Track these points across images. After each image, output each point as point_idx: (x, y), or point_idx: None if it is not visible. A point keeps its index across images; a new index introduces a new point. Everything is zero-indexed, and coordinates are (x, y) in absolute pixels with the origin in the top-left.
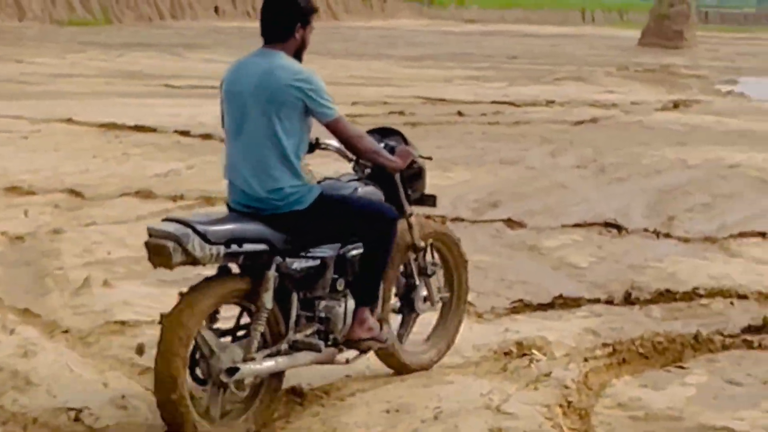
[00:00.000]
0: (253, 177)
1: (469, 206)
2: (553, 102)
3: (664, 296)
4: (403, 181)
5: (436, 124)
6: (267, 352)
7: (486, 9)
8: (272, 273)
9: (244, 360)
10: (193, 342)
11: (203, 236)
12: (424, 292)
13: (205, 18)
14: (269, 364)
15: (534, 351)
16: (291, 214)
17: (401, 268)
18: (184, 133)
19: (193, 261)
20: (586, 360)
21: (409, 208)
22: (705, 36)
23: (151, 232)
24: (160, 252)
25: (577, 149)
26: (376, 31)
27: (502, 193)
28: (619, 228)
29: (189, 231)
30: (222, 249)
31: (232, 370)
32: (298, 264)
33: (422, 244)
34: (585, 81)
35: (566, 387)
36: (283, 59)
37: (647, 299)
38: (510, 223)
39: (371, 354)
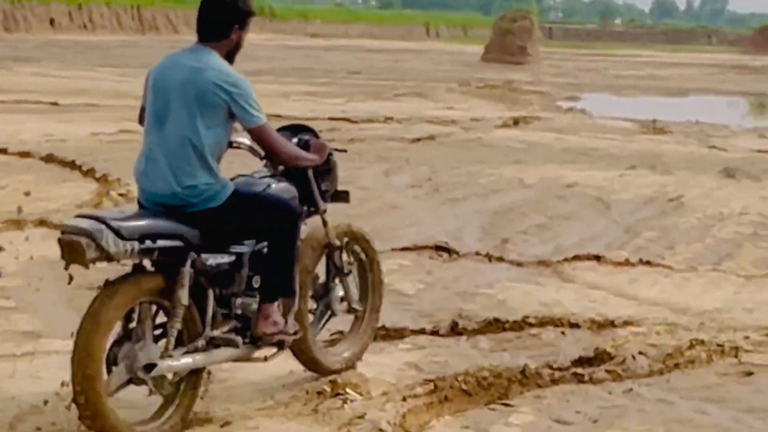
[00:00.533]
0: (170, 171)
1: None
2: (391, 118)
3: (493, 326)
4: (316, 177)
5: None
6: (184, 349)
7: (329, 23)
8: (187, 269)
9: (162, 357)
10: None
11: (117, 232)
12: (341, 293)
13: (40, 31)
14: (187, 361)
15: (348, 390)
16: (205, 211)
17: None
18: (2, 151)
19: (107, 257)
20: (404, 399)
21: (323, 205)
22: (549, 51)
23: (64, 229)
24: (73, 249)
25: (412, 168)
26: None
27: (330, 216)
28: (450, 251)
29: (102, 227)
30: (136, 245)
31: (150, 367)
32: (213, 260)
33: (338, 242)
34: (425, 97)
35: (381, 430)
36: (215, 59)
37: (475, 329)
38: None
39: None
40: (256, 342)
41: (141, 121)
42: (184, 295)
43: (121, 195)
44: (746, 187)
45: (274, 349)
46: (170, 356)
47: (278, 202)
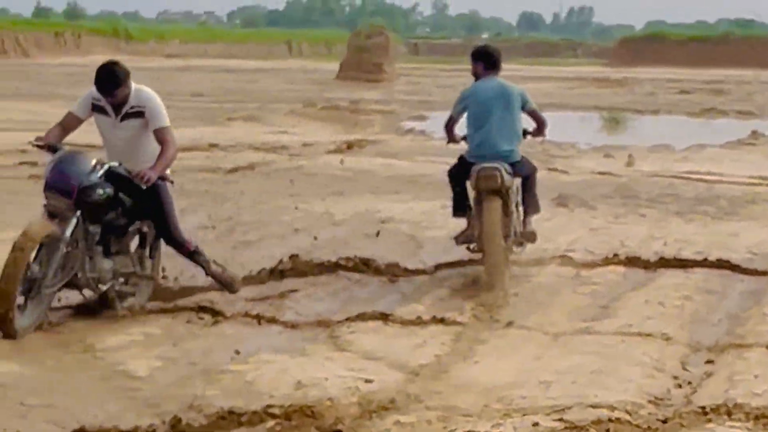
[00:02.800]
0: (500, 141)
1: None
2: (216, 145)
3: (226, 420)
4: None
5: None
6: None
7: (188, 43)
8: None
9: None
10: None
11: (506, 170)
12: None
13: None
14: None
15: None
16: (512, 163)
17: None
18: None
19: (505, 185)
20: None
21: None
22: (411, 68)
23: (481, 169)
24: (492, 179)
25: (214, 204)
26: (67, 68)
27: None
28: (214, 312)
29: (501, 166)
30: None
31: None
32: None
33: None
34: (259, 121)
35: None
36: (503, 80)
37: (202, 426)
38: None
39: None
40: (524, 240)
41: (447, 125)
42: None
43: None
44: (578, 217)
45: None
46: None
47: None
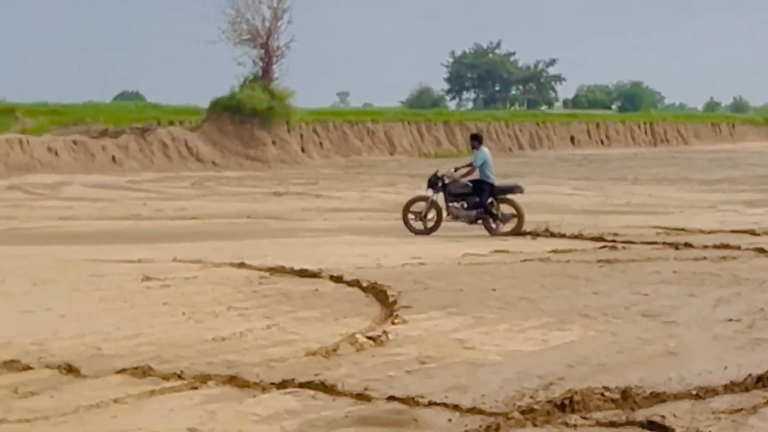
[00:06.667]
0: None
1: (522, 387)
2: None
3: None
4: None
5: (634, 261)
6: None
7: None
8: None
9: None
10: None
11: None
12: None
13: (561, 147)
14: None
15: None
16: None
17: None
18: (336, 279)
19: None
20: None
21: None
22: None
23: (517, 184)
24: (521, 187)
25: (758, 293)
26: (716, 154)
27: (583, 365)
28: (665, 428)
29: None
30: None
31: None
32: None
33: None
34: None
35: None
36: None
37: None
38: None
39: None
40: None
41: (472, 170)
42: None
43: (369, 338)
44: None
45: None
46: None
47: None
